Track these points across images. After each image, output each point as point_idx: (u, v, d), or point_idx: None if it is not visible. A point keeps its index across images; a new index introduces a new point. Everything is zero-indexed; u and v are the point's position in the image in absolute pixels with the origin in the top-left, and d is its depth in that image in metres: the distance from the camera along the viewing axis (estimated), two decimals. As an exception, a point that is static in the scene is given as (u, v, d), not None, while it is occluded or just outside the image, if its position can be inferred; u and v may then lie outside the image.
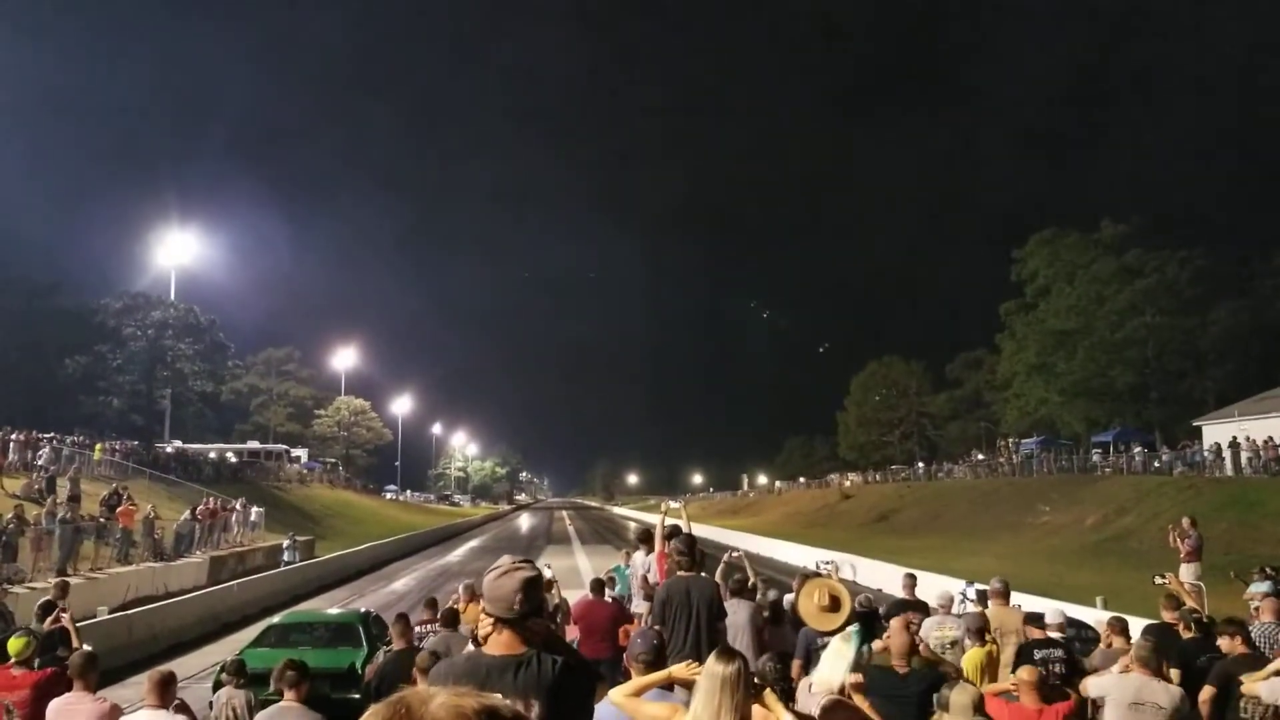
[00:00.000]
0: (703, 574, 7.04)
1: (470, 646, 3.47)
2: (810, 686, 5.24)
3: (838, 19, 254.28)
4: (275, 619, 14.22)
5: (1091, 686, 6.25)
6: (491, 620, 2.92)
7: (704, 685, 3.73)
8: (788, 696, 4.45)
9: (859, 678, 5.47)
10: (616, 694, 3.90)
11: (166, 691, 5.79)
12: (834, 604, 7.16)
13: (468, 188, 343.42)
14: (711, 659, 3.80)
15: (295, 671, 6.26)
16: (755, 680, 4.42)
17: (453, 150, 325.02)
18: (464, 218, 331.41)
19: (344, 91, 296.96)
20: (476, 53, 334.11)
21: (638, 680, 3.88)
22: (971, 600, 10.09)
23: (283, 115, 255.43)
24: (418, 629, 9.08)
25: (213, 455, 53.32)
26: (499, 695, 1.17)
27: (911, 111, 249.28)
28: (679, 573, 6.82)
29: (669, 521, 8.99)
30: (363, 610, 14.97)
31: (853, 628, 6.59)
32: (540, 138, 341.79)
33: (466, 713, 1.06)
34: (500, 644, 2.89)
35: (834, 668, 5.19)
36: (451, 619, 8.72)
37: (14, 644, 6.67)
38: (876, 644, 6.92)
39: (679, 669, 3.90)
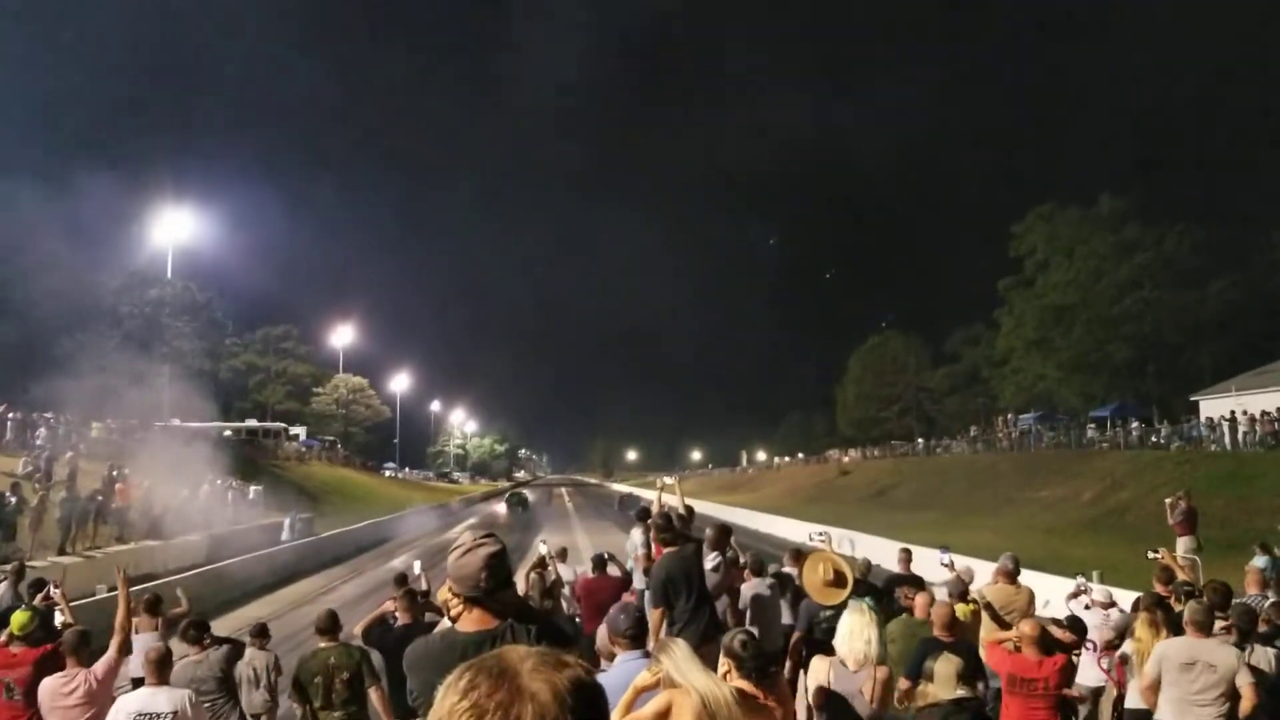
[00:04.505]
0: (688, 544, 7.06)
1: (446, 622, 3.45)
2: (842, 663, 5.25)
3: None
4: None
5: (1148, 660, 6.18)
6: (459, 600, 2.88)
7: (689, 663, 3.74)
8: (760, 673, 4.38)
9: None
10: None
11: (163, 669, 5.85)
12: (839, 579, 7.21)
13: (464, 164, 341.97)
14: (677, 646, 3.81)
15: (195, 629, 6.92)
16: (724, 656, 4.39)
17: (448, 124, 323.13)
18: (461, 193, 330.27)
19: (339, 63, 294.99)
20: (472, 22, 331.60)
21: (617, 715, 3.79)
22: (947, 564, 10.18)
23: (276, 88, 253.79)
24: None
25: (211, 433, 53.32)
26: (574, 659, 1.21)
27: (904, 82, 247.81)
28: (665, 549, 6.85)
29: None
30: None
31: (866, 600, 6.64)
32: (537, 109, 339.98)
33: (560, 691, 1.09)
34: (472, 620, 2.87)
35: (861, 640, 5.21)
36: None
37: (19, 618, 6.67)
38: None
39: (643, 679, 3.82)
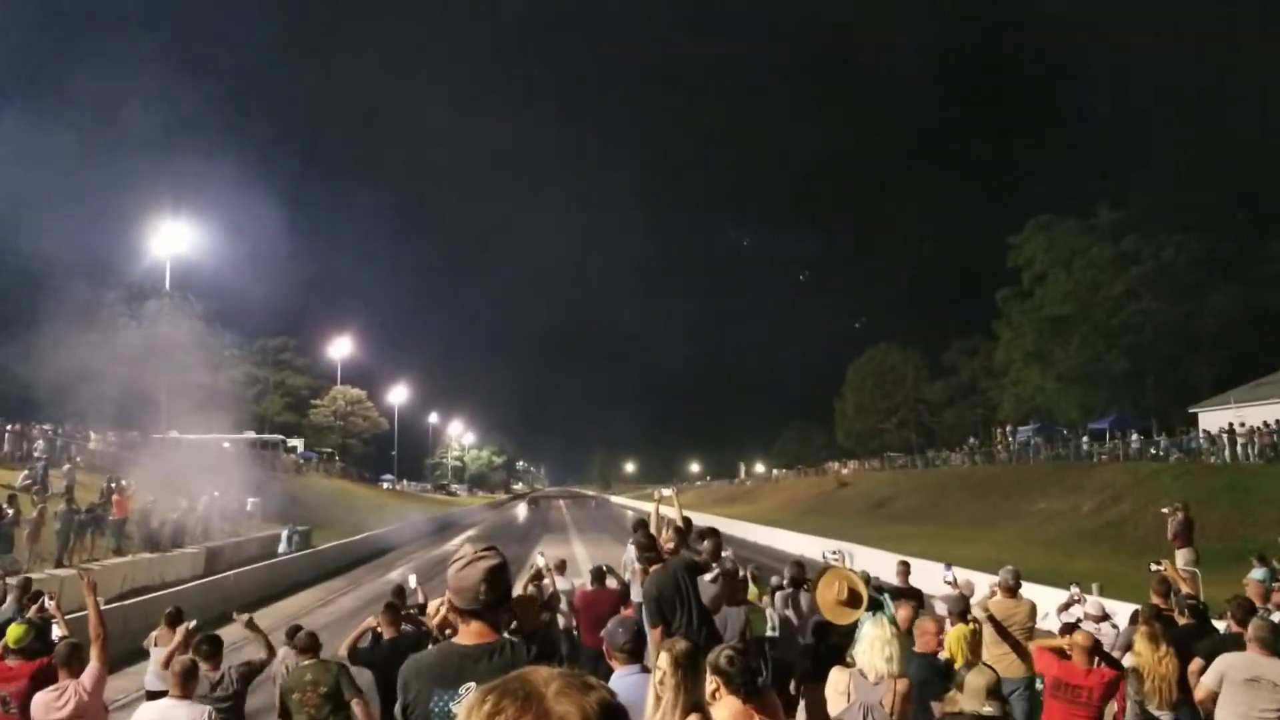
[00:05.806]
0: (676, 557, 7.06)
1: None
2: (862, 674, 5.27)
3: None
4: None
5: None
6: (459, 612, 2.90)
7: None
8: (748, 688, 4.33)
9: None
10: None
11: (188, 683, 5.88)
12: (853, 599, 7.19)
13: (463, 175, 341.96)
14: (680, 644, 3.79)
15: (209, 645, 6.95)
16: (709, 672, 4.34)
17: (443, 134, 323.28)
18: (459, 204, 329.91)
19: (338, 72, 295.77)
20: (469, 26, 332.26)
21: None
22: (950, 582, 10.17)
23: (274, 97, 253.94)
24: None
25: (209, 445, 53.20)
26: (598, 681, 1.20)
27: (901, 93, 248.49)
28: (650, 568, 6.86)
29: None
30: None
31: (888, 614, 6.63)
32: (532, 120, 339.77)
33: (587, 714, 1.08)
34: (471, 633, 2.88)
35: (881, 656, 5.23)
36: None
37: (14, 630, 6.64)
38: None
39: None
